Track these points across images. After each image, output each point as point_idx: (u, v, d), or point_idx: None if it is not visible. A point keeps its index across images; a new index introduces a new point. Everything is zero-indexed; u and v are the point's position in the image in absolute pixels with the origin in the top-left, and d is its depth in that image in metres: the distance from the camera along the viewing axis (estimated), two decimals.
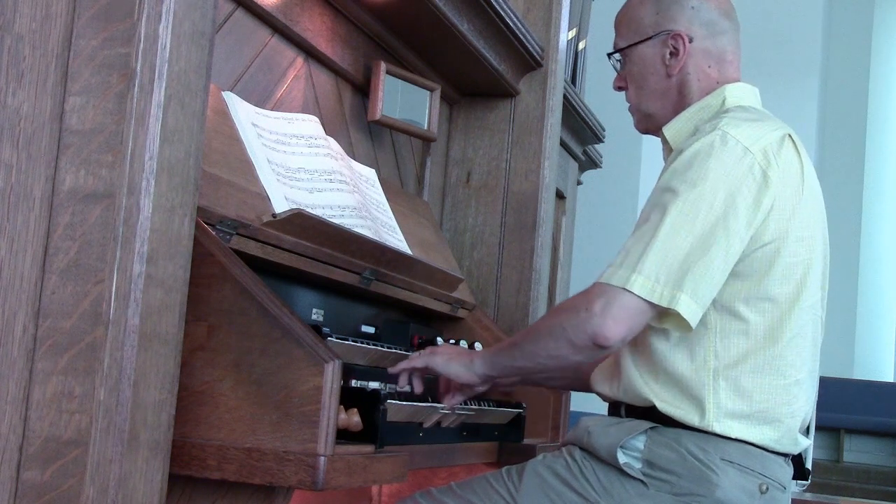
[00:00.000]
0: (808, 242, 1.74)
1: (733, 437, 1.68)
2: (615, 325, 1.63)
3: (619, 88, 1.98)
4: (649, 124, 1.95)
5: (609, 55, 1.97)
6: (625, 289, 1.62)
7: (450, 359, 1.89)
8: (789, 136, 1.77)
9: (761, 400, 1.69)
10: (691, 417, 1.68)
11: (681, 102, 1.88)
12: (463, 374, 1.88)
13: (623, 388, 1.77)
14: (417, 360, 1.91)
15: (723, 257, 1.65)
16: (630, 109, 1.97)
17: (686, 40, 1.86)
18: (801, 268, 1.72)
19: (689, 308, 1.63)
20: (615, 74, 1.99)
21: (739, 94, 1.86)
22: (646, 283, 1.62)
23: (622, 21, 1.96)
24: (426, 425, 1.94)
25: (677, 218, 1.64)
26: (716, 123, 1.72)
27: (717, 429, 1.67)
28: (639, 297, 1.62)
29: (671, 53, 1.87)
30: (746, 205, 1.66)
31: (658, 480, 1.69)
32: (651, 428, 1.72)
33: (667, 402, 1.70)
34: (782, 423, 1.71)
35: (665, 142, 1.89)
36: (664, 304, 1.62)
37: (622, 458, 1.71)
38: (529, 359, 1.78)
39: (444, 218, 2.93)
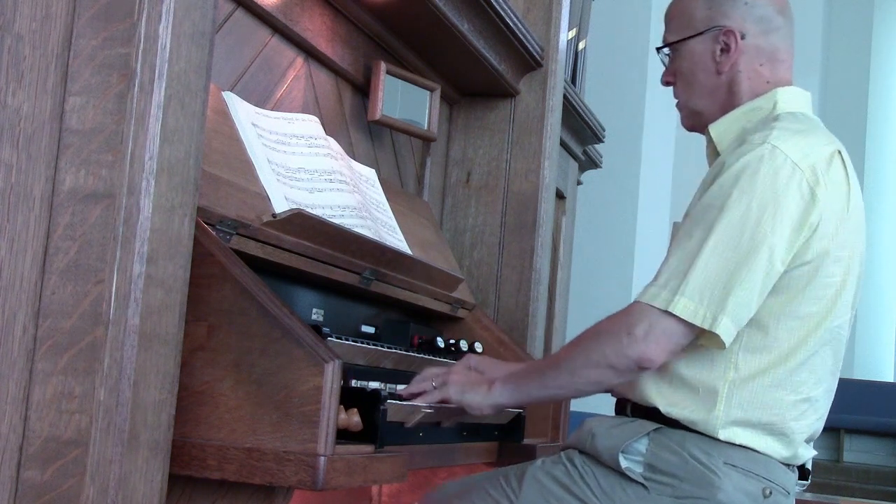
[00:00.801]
0: (846, 263, 1.71)
1: (737, 443, 1.67)
2: (658, 349, 1.62)
3: (667, 83, 1.93)
4: (696, 122, 1.90)
5: (658, 49, 1.93)
6: (667, 311, 1.61)
7: (465, 388, 1.84)
8: (839, 152, 1.73)
9: (770, 413, 1.68)
10: (697, 422, 1.68)
11: (730, 101, 1.84)
12: (481, 404, 1.83)
13: (632, 385, 1.76)
14: (431, 394, 1.84)
15: (763, 278, 1.63)
16: (677, 105, 1.93)
17: (738, 37, 1.82)
18: (835, 289, 1.70)
19: (728, 330, 1.62)
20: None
21: (791, 98, 1.82)
22: (688, 304, 1.61)
23: (673, 15, 1.91)
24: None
25: (722, 237, 1.62)
26: (765, 136, 1.68)
27: (722, 435, 1.67)
28: (680, 319, 1.61)
29: (722, 50, 1.83)
30: (793, 224, 1.63)
31: (659, 484, 1.68)
32: (654, 430, 1.71)
33: (673, 405, 1.69)
34: (788, 438, 1.70)
35: (710, 140, 1.85)
36: (706, 326, 1.61)
37: (624, 463, 1.70)
38: (566, 388, 1.75)
39: (444, 218, 2.93)
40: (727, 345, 1.63)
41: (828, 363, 1.75)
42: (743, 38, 1.82)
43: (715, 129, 1.84)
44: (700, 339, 1.66)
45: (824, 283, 1.69)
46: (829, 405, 1.80)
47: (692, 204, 1.74)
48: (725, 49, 1.83)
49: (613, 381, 1.71)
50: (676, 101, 1.93)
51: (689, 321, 1.61)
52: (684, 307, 1.61)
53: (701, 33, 1.85)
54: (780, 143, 1.66)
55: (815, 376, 1.72)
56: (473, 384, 1.85)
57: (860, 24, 9.91)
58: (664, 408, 1.70)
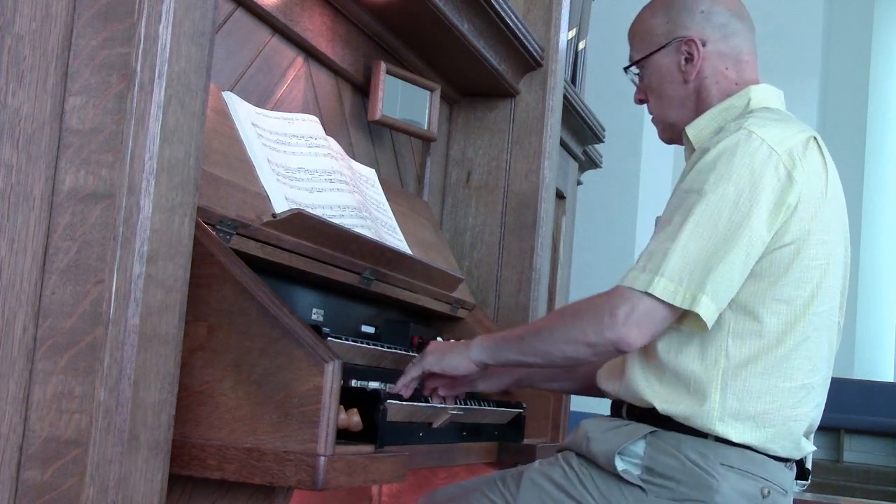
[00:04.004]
0: (828, 246, 1.73)
1: (734, 440, 1.67)
2: (639, 331, 1.64)
3: (641, 101, 1.97)
4: (672, 134, 1.94)
5: (626, 69, 1.97)
6: (647, 293, 1.63)
7: (443, 354, 1.87)
8: (814, 138, 1.76)
9: (766, 402, 1.68)
10: (693, 417, 1.67)
11: (700, 107, 1.88)
12: (460, 364, 1.85)
13: (625, 386, 1.76)
14: (412, 370, 1.89)
15: (744, 258, 1.65)
16: (653, 121, 1.97)
17: (699, 44, 1.86)
18: (819, 271, 1.71)
19: (708, 310, 1.63)
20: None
21: (764, 95, 1.86)
22: (668, 285, 1.62)
23: (635, 34, 1.95)
24: (435, 425, 1.94)
25: (700, 219, 1.64)
26: (741, 123, 1.71)
27: (719, 429, 1.66)
28: (661, 300, 1.62)
29: (686, 59, 1.87)
30: (770, 206, 1.65)
31: (657, 486, 1.68)
32: (651, 433, 1.71)
33: (668, 402, 1.69)
34: (785, 427, 1.70)
35: (688, 141, 1.88)
36: (685, 306, 1.63)
37: (621, 465, 1.70)
38: (541, 356, 1.76)
39: (444, 218, 2.93)
40: (709, 325, 1.64)
41: (822, 350, 1.75)
42: (704, 45, 1.87)
43: (692, 129, 1.87)
44: (683, 324, 1.67)
45: (807, 265, 1.70)
46: (826, 395, 1.81)
47: (672, 194, 1.75)
48: (689, 58, 1.87)
49: (590, 359, 1.73)
50: (651, 116, 1.97)
51: (669, 302, 1.63)
52: (664, 288, 1.63)
53: (664, 47, 1.89)
54: (757, 128, 1.69)
55: (811, 363, 1.72)
56: (451, 348, 1.87)
57: (860, 24, 9.91)
58: (659, 405, 1.70)
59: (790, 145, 1.70)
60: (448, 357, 1.86)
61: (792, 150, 1.69)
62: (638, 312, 1.63)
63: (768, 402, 1.68)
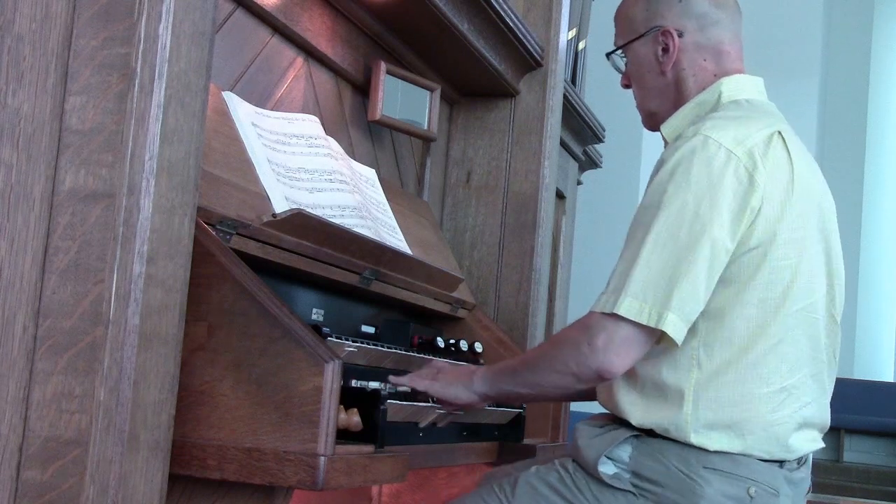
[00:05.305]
0: (798, 244, 1.68)
1: (712, 449, 1.65)
2: (618, 358, 1.62)
3: (626, 86, 1.95)
4: (653, 123, 1.91)
5: (608, 55, 1.95)
6: (616, 314, 1.60)
7: (448, 383, 1.88)
8: (779, 133, 1.71)
9: (742, 410, 1.65)
10: (669, 429, 1.66)
11: (679, 99, 1.84)
12: (463, 395, 1.86)
13: (608, 397, 1.77)
14: (419, 381, 1.89)
15: (708, 269, 1.61)
16: (637, 107, 1.94)
17: (675, 36, 1.82)
18: (789, 271, 1.67)
19: (676, 326, 1.60)
20: (616, 74, 1.98)
21: (736, 86, 1.81)
22: (633, 303, 1.60)
23: (618, 19, 1.93)
24: (422, 424, 1.94)
25: (661, 233, 1.61)
26: (698, 127, 1.67)
27: (695, 440, 1.65)
28: (635, 323, 1.60)
29: (663, 50, 1.84)
30: (732, 212, 1.61)
31: (645, 490, 1.68)
32: (635, 436, 1.70)
33: (646, 414, 1.68)
34: (766, 433, 1.66)
35: (665, 139, 1.85)
36: (651, 324, 1.60)
37: (610, 470, 1.70)
38: (532, 388, 1.78)
39: (444, 218, 2.93)
40: (678, 342, 1.61)
41: (803, 348, 1.70)
42: (681, 36, 1.83)
43: (666, 127, 1.85)
44: (659, 339, 1.65)
45: (776, 266, 1.66)
46: (822, 389, 1.76)
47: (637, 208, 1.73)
48: (665, 49, 1.84)
49: (578, 387, 1.72)
50: (636, 103, 1.94)
51: (636, 320, 1.60)
52: (629, 306, 1.60)
53: (642, 35, 1.87)
54: (713, 132, 1.65)
55: (788, 365, 1.68)
56: (457, 378, 1.88)
57: (860, 24, 9.92)
58: (637, 420, 1.69)
59: (750, 145, 1.65)
60: (452, 388, 1.87)
61: (752, 151, 1.64)
62: (616, 341, 1.61)
63: (744, 410, 1.65)
